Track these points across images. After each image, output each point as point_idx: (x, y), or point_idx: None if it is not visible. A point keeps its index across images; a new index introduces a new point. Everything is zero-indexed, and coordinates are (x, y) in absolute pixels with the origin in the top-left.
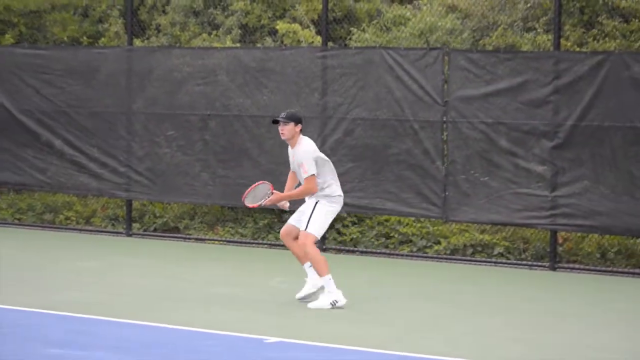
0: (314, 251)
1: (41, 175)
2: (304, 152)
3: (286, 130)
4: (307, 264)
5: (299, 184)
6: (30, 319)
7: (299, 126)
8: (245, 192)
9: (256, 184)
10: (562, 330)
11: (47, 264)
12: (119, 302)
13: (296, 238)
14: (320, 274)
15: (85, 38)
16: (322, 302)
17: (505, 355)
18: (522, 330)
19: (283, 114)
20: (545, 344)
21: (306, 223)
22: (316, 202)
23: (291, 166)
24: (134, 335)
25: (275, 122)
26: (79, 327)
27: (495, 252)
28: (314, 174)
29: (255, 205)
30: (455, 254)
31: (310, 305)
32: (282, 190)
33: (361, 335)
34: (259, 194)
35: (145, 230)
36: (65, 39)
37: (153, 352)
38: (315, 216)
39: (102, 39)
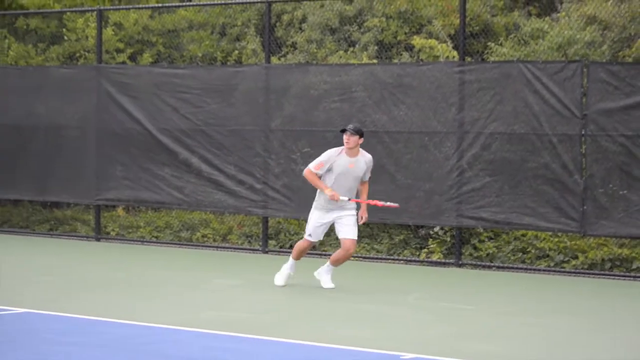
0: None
1: (179, 194)
2: (371, 159)
3: (352, 141)
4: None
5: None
6: (170, 336)
7: (362, 140)
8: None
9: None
10: None
11: (186, 282)
12: (259, 319)
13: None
14: (337, 265)
15: (219, 53)
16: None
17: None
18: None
19: (351, 126)
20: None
21: (356, 232)
22: (353, 214)
23: (343, 171)
24: (274, 352)
25: (343, 131)
26: (219, 344)
27: (634, 267)
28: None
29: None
30: (594, 268)
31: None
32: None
33: (501, 353)
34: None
35: (281, 247)
36: (200, 55)
37: None
38: (356, 224)
39: (235, 52)
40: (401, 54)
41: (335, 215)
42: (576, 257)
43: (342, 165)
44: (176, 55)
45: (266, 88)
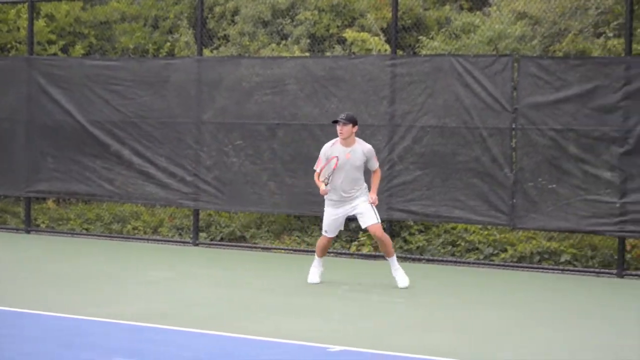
0: (388, 236)
1: (109, 186)
2: (370, 149)
3: (345, 130)
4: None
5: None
6: (100, 328)
7: (356, 127)
8: (322, 168)
9: (330, 161)
10: (629, 338)
11: (116, 274)
12: (188, 312)
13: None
14: (392, 254)
15: (151, 46)
16: (405, 276)
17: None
18: (592, 337)
19: (343, 116)
20: (616, 351)
21: (375, 216)
22: (365, 199)
23: (338, 162)
24: (203, 345)
25: (335, 122)
26: (148, 336)
27: (563, 260)
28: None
29: (323, 181)
30: (522, 261)
31: (403, 284)
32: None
33: (432, 344)
34: (326, 171)
35: (212, 240)
36: (132, 47)
37: None
38: (375, 208)
39: (168, 44)
40: (333, 47)
41: (348, 207)
42: (505, 250)
43: (341, 156)
44: (108, 47)
45: (198, 80)
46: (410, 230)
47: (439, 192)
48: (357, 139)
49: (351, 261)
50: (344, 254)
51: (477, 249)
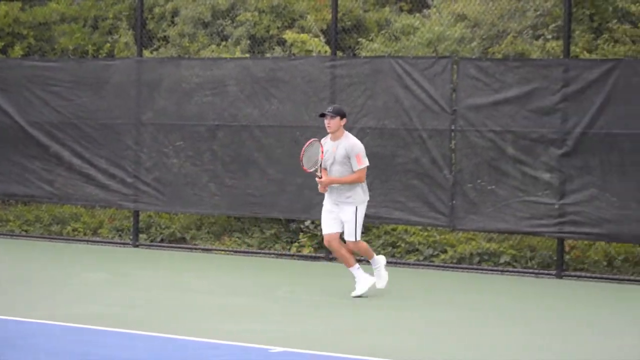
0: (364, 244)
1: (49, 187)
2: (357, 145)
3: (333, 123)
4: (355, 266)
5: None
6: (39, 330)
7: (344, 120)
8: (301, 153)
9: (309, 141)
10: (569, 338)
11: (55, 276)
12: (128, 313)
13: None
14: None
15: (91, 47)
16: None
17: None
18: (530, 337)
19: (330, 108)
20: (553, 352)
21: (354, 233)
22: (356, 208)
23: (327, 159)
24: (144, 346)
25: (322, 115)
26: (87, 338)
27: (502, 261)
28: (367, 166)
29: (310, 170)
30: (462, 262)
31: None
32: None
33: (371, 345)
34: (312, 156)
35: (152, 241)
36: (71, 48)
37: None
38: (359, 223)
39: (107, 45)
40: (273, 49)
41: (339, 210)
42: (445, 251)
43: (328, 151)
44: (47, 48)
45: (138, 81)
46: None
47: (379, 194)
48: (346, 133)
49: (292, 262)
50: (285, 255)
51: (417, 250)
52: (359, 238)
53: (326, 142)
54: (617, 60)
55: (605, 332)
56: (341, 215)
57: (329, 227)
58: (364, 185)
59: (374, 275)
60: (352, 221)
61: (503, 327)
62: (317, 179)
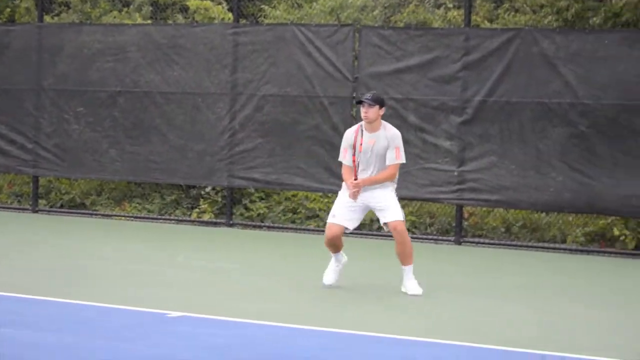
0: (410, 240)
1: None
2: (398, 137)
3: (371, 112)
4: (339, 254)
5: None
6: None
7: (383, 110)
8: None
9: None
10: (467, 303)
11: None
12: (26, 279)
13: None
14: (409, 262)
15: None
16: (416, 285)
17: (410, 328)
18: (427, 303)
19: (369, 95)
20: (450, 317)
21: (400, 212)
22: (393, 192)
23: (365, 150)
24: (40, 311)
25: (359, 102)
26: None
27: None
28: (404, 162)
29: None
30: (362, 228)
31: (412, 292)
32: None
33: (266, 309)
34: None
35: (51, 207)
36: None
37: (60, 327)
38: (398, 203)
39: (8, 10)
40: (176, 16)
41: (368, 195)
42: None
43: (364, 144)
44: None
45: (39, 47)
46: (252, 198)
47: (281, 160)
48: (384, 123)
49: (192, 228)
50: (185, 220)
51: (318, 216)
52: (403, 217)
53: (359, 133)
54: (517, 29)
55: (501, 297)
56: (376, 203)
57: (342, 218)
58: None
59: (406, 283)
60: (393, 200)
61: (400, 293)
62: (352, 184)
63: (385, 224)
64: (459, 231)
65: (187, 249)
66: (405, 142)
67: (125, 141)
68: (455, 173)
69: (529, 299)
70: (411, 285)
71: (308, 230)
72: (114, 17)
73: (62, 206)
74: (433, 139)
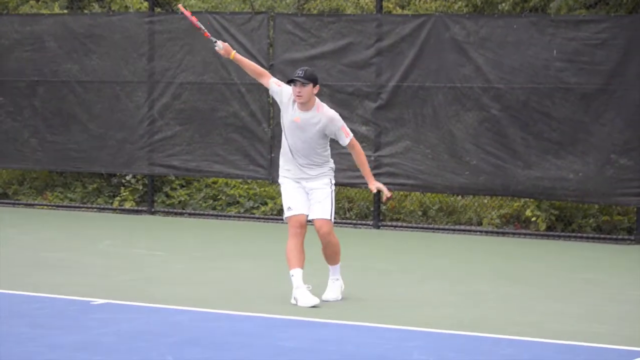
0: (337, 240)
1: None
2: (337, 119)
3: (305, 92)
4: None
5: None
6: None
7: (317, 88)
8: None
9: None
10: (386, 286)
11: None
12: None
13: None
14: (335, 262)
15: None
16: (336, 290)
17: (332, 311)
18: (349, 286)
19: (300, 72)
20: (369, 300)
21: (330, 212)
22: (331, 187)
23: (289, 126)
24: None
25: (291, 82)
26: None
27: None
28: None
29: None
30: (282, 214)
31: (327, 297)
32: None
33: (190, 296)
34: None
35: None
36: None
37: None
38: (333, 204)
39: None
40: (92, 5)
41: (306, 185)
42: (265, 204)
43: (287, 117)
44: None
45: None
46: (172, 185)
47: (199, 147)
48: (319, 102)
49: (114, 216)
50: (107, 209)
51: (238, 202)
52: (333, 219)
53: (290, 103)
54: (428, 15)
55: (419, 279)
56: (312, 193)
57: (300, 206)
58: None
59: (329, 284)
60: (328, 197)
61: (319, 276)
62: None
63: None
64: (377, 215)
65: (109, 236)
66: None
67: (46, 130)
68: (372, 158)
69: (446, 280)
70: (330, 288)
71: (229, 216)
72: (31, 7)
73: None
74: (349, 124)
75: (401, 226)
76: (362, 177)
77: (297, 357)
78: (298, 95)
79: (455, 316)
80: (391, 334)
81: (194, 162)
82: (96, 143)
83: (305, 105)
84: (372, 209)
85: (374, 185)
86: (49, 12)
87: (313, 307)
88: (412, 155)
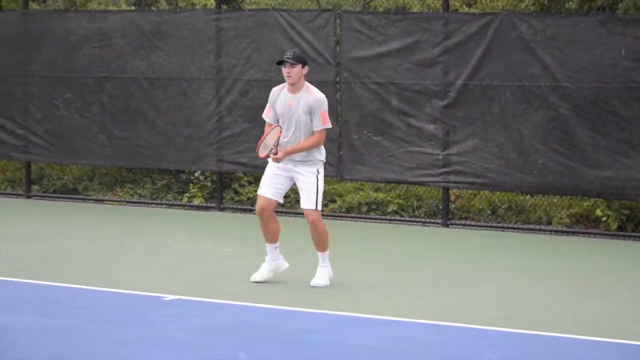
0: (325, 228)
1: None
2: (322, 101)
3: (294, 72)
4: (274, 245)
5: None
6: None
7: (306, 68)
8: (259, 143)
9: (271, 128)
10: (456, 284)
11: None
12: (19, 263)
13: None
14: (323, 249)
15: None
16: (324, 276)
17: (401, 310)
18: (418, 284)
19: (289, 54)
20: (440, 298)
21: (315, 200)
22: (317, 175)
23: (283, 112)
24: (34, 294)
25: (280, 63)
26: None
27: (390, 210)
28: (329, 128)
29: (263, 155)
30: (351, 212)
31: (315, 282)
32: None
33: (257, 293)
34: (269, 142)
35: (44, 192)
36: None
37: (54, 310)
38: (319, 190)
39: None
40: (159, 2)
41: (292, 169)
42: (334, 201)
43: (282, 104)
44: None
45: (25, 34)
46: (241, 182)
47: None
48: (308, 84)
49: (183, 212)
50: (176, 205)
51: None
52: (319, 207)
53: (282, 92)
54: (494, 14)
55: (488, 279)
56: (298, 181)
57: (268, 190)
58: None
59: (317, 270)
60: (313, 186)
61: (389, 275)
62: (272, 156)
63: None
64: (445, 214)
65: (178, 233)
66: (389, 125)
67: (114, 127)
68: (440, 156)
69: (515, 280)
70: (318, 274)
71: (298, 213)
72: (99, 4)
73: (54, 192)
74: (417, 122)
75: (470, 225)
76: (430, 175)
77: (369, 355)
78: (288, 76)
79: (525, 315)
80: (461, 333)
81: (264, 160)
82: (164, 139)
83: (295, 87)
84: (440, 207)
85: (280, 155)
86: (116, 8)
87: (255, 282)
88: (481, 154)
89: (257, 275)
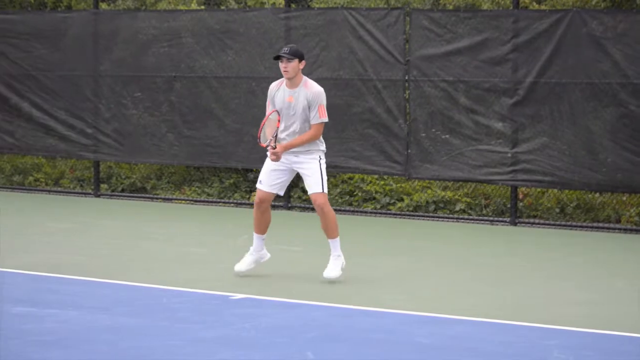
0: (333, 212)
1: (10, 138)
2: (319, 95)
3: (290, 67)
4: (262, 236)
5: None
6: (5, 279)
7: (303, 63)
8: (260, 129)
9: (268, 114)
10: (524, 283)
11: (18, 226)
12: (90, 262)
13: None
14: (333, 235)
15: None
16: (336, 268)
17: (469, 308)
18: (485, 283)
19: (286, 49)
20: (507, 297)
21: (321, 184)
22: (319, 161)
23: (284, 109)
24: (104, 293)
25: (277, 58)
26: (50, 286)
27: (457, 209)
28: (326, 121)
29: (264, 145)
30: (418, 210)
31: (327, 274)
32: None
33: (326, 291)
34: (268, 132)
35: (113, 191)
36: (32, 0)
37: (122, 310)
38: (324, 175)
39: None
40: (229, 1)
41: (293, 159)
42: (402, 200)
43: (280, 100)
44: (6, 1)
45: (95, 33)
46: None
47: (335, 143)
48: (305, 78)
49: (250, 211)
50: (244, 204)
51: (374, 198)
52: (325, 190)
53: (280, 88)
54: (565, 11)
55: (556, 277)
56: (300, 169)
57: (267, 186)
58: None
59: (329, 260)
60: (317, 171)
61: (458, 274)
62: (270, 150)
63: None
64: (514, 212)
65: (246, 232)
66: (458, 123)
67: (183, 126)
68: (509, 154)
69: (584, 278)
70: (330, 266)
71: (365, 212)
72: (169, 3)
73: (123, 190)
74: (485, 120)
75: (538, 223)
76: (498, 173)
77: (437, 355)
78: (284, 71)
79: (593, 314)
80: (528, 332)
81: (330, 158)
82: (232, 138)
83: (293, 82)
84: (508, 205)
85: (279, 149)
86: (186, 8)
87: (238, 271)
88: (549, 152)
89: (241, 266)
